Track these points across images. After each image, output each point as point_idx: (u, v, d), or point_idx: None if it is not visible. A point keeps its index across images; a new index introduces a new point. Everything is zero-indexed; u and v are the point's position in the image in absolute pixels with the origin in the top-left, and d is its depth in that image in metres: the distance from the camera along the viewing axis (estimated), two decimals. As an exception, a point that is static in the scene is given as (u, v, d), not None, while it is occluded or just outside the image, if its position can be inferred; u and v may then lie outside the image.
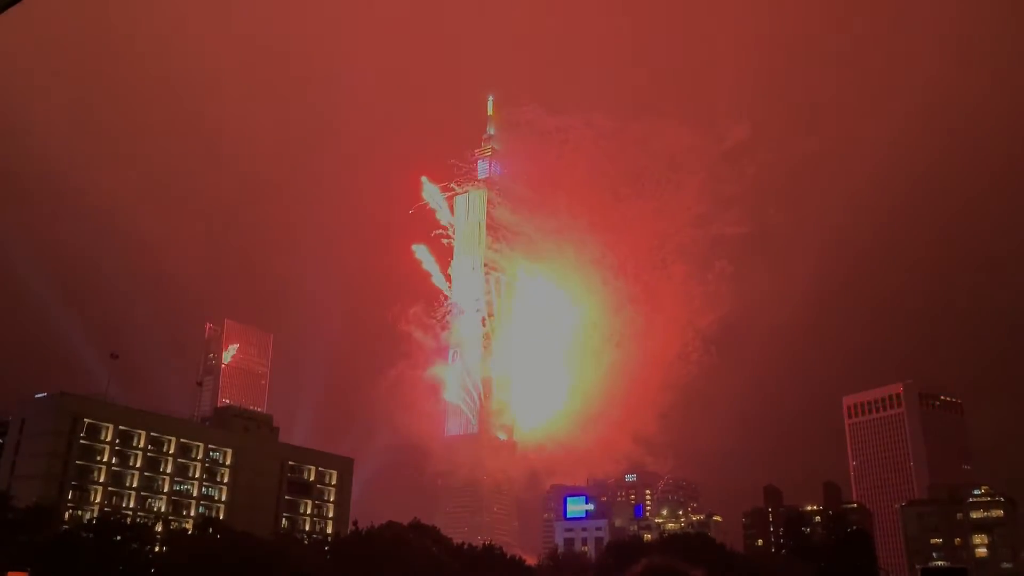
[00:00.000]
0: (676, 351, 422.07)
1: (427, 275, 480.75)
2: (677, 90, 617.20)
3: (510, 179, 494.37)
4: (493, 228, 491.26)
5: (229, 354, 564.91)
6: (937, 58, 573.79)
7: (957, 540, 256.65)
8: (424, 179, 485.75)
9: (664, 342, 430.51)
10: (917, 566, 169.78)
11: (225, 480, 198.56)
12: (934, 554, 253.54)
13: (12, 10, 9.70)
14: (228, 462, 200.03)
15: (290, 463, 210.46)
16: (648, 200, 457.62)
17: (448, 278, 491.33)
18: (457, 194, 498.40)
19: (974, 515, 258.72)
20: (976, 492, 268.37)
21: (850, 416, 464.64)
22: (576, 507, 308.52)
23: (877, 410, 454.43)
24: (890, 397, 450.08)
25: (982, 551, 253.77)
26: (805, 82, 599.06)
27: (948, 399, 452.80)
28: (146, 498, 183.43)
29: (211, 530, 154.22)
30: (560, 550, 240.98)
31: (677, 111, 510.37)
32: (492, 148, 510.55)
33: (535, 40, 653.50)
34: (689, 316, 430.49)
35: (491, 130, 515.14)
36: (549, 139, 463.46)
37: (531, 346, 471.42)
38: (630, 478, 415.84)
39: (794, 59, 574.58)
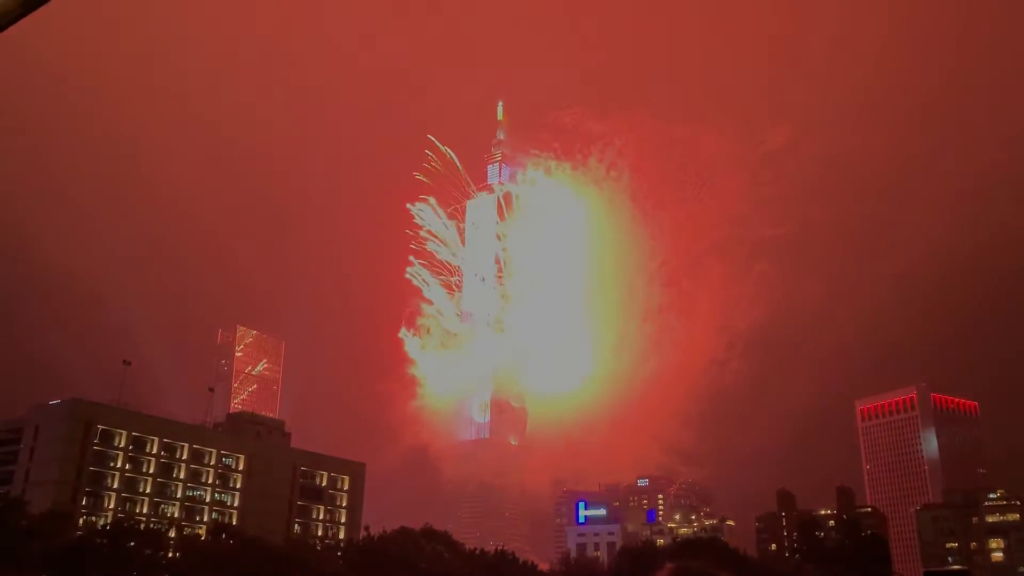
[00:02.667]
0: (707, 357, 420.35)
1: (438, 278, 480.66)
2: (717, 93, 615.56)
3: (527, 183, 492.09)
4: (505, 233, 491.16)
5: (241, 360, 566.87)
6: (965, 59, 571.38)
7: (973, 544, 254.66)
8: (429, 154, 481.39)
9: (696, 347, 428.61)
10: (923, 569, 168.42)
11: (238, 486, 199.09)
12: (949, 558, 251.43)
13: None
14: (240, 468, 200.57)
15: (302, 468, 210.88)
16: (689, 204, 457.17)
17: (458, 286, 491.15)
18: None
19: (990, 519, 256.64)
20: (992, 496, 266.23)
21: (863, 420, 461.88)
22: (588, 512, 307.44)
23: (891, 414, 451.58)
24: (904, 401, 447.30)
25: (998, 555, 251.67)
26: (847, 81, 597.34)
27: (962, 402, 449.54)
28: (159, 504, 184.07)
29: (224, 535, 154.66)
30: (572, 555, 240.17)
31: (718, 115, 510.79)
32: (502, 153, 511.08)
33: (572, 45, 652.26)
34: (724, 321, 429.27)
35: (500, 135, 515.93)
36: (589, 143, 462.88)
37: (545, 352, 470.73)
38: (642, 482, 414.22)
39: (836, 57, 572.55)
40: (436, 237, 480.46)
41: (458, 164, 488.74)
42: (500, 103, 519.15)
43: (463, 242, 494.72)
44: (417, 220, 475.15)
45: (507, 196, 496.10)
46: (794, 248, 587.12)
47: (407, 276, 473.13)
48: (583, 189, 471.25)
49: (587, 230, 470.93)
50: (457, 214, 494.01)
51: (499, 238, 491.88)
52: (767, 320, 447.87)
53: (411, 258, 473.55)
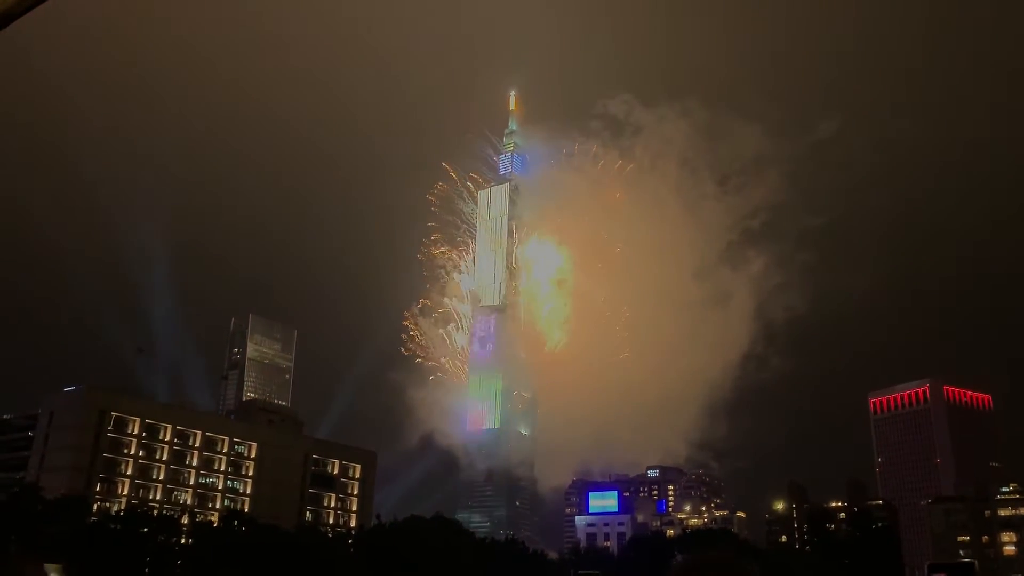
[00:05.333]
0: (744, 350, 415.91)
1: (450, 268, 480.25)
2: (764, 82, 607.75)
3: (543, 176, 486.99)
4: (518, 224, 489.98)
5: (254, 348, 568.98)
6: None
7: (984, 538, 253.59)
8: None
9: (733, 339, 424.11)
10: (926, 562, 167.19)
11: (250, 473, 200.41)
12: (961, 552, 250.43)
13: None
14: (253, 455, 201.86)
15: (314, 457, 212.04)
16: (731, 194, 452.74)
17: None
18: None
19: (1002, 512, 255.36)
20: (1004, 489, 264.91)
21: (876, 413, 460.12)
22: (598, 502, 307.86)
23: (903, 407, 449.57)
24: (916, 394, 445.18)
25: (1010, 548, 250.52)
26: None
27: (975, 395, 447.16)
28: (172, 491, 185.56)
29: (236, 523, 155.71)
30: (582, 545, 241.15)
31: (765, 104, 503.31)
32: (514, 143, 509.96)
33: (608, 35, 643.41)
34: (763, 312, 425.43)
35: (513, 125, 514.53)
36: (628, 133, 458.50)
37: (556, 345, 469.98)
38: (652, 473, 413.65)
39: (885, 49, 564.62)
40: (449, 227, 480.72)
41: (485, 141, 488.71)
42: (512, 93, 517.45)
43: (477, 232, 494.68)
44: (433, 209, 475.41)
45: (523, 185, 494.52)
46: (838, 238, 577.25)
47: (419, 265, 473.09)
48: (614, 178, 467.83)
49: (619, 218, 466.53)
50: (473, 203, 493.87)
51: (514, 228, 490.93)
52: (807, 312, 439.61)
53: (425, 245, 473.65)
